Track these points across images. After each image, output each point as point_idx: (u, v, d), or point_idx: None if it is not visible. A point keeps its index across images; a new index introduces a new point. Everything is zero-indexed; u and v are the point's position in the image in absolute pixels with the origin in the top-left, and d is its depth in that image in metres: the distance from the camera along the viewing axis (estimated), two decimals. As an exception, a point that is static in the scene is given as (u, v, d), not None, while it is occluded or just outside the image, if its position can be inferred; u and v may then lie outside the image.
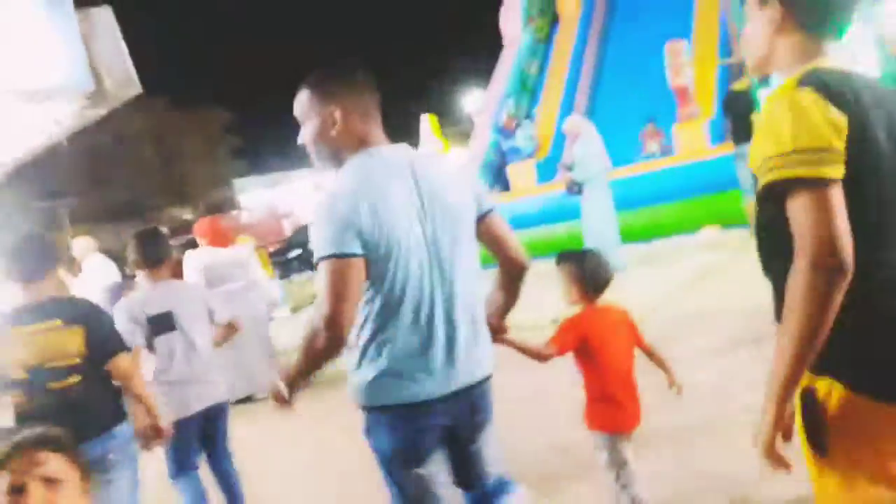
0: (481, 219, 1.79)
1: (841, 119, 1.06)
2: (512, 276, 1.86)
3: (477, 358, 1.74)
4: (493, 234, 1.82)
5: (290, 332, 7.85)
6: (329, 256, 1.57)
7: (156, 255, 3.02)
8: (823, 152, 1.04)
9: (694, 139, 9.39)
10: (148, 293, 3.02)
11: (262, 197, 29.06)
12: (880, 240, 1.09)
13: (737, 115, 7.96)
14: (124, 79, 6.45)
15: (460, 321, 1.69)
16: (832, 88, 1.09)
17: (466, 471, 1.81)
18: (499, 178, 11.53)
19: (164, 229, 3.66)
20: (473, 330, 1.73)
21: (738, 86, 8.17)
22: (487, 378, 1.79)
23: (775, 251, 1.17)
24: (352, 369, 1.71)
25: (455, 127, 24.75)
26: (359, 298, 1.61)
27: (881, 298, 1.09)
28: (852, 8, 1.21)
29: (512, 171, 11.05)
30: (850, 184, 1.06)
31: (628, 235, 8.15)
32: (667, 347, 2.74)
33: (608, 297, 2.39)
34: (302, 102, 1.76)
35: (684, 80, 9.22)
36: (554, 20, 13.73)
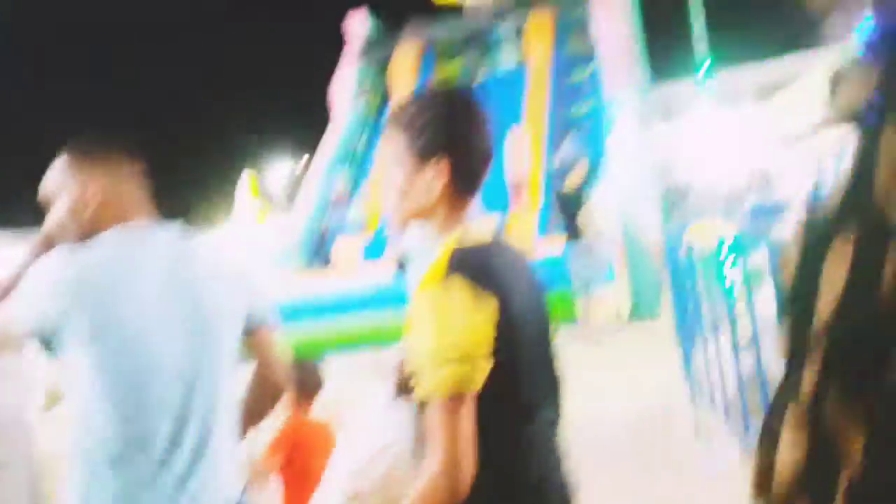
0: (252, 330, 1.62)
1: (490, 306, 1.10)
2: (263, 401, 1.70)
3: (218, 487, 1.50)
4: (261, 351, 1.66)
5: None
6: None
7: None
8: (468, 362, 1.08)
9: (525, 229, 9.37)
10: None
11: (8, 254, 24.99)
12: (521, 412, 1.17)
13: (568, 215, 8.06)
14: None
15: (202, 443, 1.47)
16: (480, 270, 1.12)
17: None
18: (319, 253, 10.71)
19: None
20: (216, 453, 1.50)
21: (568, 185, 8.30)
22: None
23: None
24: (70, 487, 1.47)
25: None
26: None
27: (523, 465, 1.16)
28: None
29: (337, 246, 10.29)
30: (499, 363, 1.11)
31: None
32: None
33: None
34: (54, 175, 1.58)
35: (522, 172, 9.26)
36: (385, 99, 13.56)
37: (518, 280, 1.20)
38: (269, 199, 13.96)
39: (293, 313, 8.82)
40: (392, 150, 1.25)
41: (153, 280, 1.48)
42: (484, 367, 1.10)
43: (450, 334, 1.08)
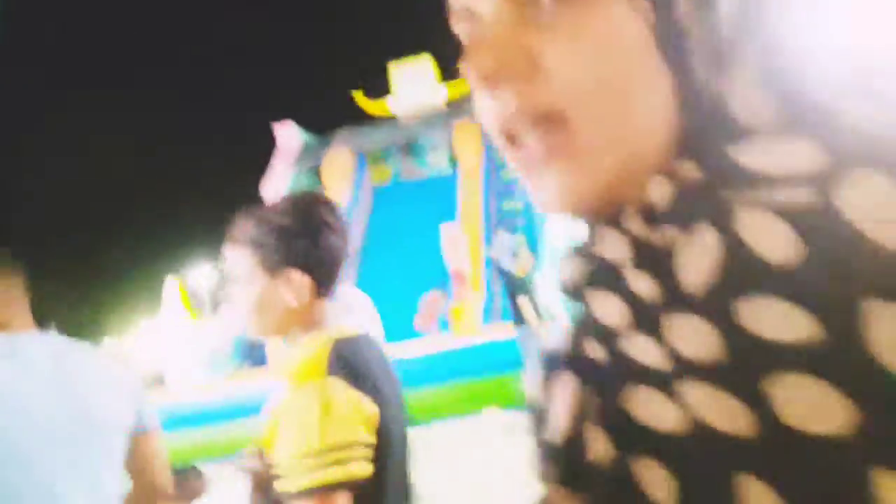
0: (135, 437, 1.56)
1: (372, 410, 1.08)
2: None
3: None
4: (140, 456, 1.56)
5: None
6: None
7: None
8: (353, 448, 1.05)
9: (470, 316, 9.35)
10: None
11: None
12: None
13: (515, 301, 8.10)
14: None
15: None
16: (361, 374, 1.11)
17: None
18: (252, 353, 10.21)
19: None
20: None
21: (516, 271, 8.40)
22: None
23: None
24: None
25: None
26: None
27: None
28: None
29: (271, 345, 9.84)
30: (376, 469, 1.09)
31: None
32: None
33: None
34: None
35: (461, 262, 9.36)
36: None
37: (387, 380, 1.19)
38: (195, 302, 13.40)
39: (231, 413, 8.27)
40: (241, 268, 1.22)
41: (31, 390, 1.38)
42: (366, 470, 1.06)
43: (336, 434, 1.05)
